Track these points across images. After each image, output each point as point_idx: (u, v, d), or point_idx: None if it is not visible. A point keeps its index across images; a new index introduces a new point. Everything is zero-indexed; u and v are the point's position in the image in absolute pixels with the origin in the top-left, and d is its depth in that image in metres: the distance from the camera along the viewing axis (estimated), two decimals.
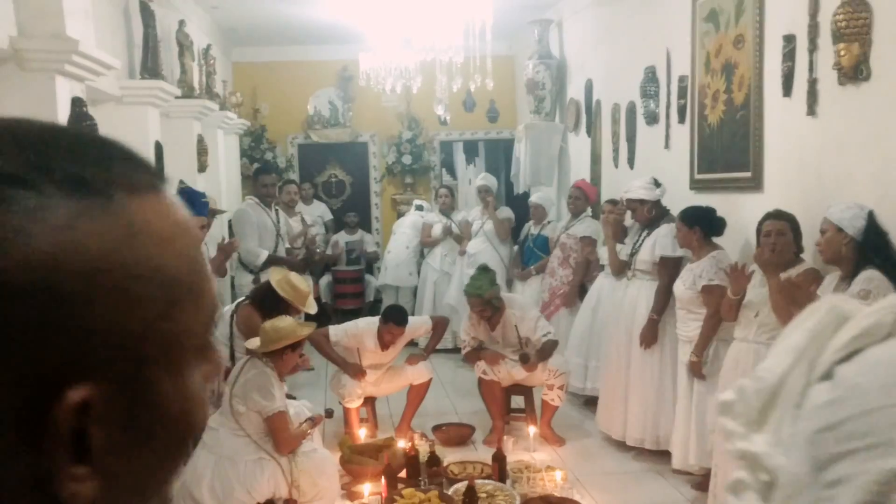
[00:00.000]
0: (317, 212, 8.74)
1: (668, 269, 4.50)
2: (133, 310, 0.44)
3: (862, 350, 0.50)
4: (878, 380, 0.48)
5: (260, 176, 6.26)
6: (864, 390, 0.48)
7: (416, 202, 8.46)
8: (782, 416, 0.52)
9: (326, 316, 8.05)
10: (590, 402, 5.46)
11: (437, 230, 7.57)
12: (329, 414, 5.07)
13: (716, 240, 4.14)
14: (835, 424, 0.48)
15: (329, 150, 9.49)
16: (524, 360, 4.85)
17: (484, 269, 5.09)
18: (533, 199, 6.90)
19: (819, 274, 3.38)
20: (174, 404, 0.48)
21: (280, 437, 3.51)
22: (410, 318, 5.15)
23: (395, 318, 4.94)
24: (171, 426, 0.48)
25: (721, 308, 3.73)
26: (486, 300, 4.91)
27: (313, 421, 3.88)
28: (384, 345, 4.94)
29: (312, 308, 4.37)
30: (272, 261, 5.75)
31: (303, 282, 4.41)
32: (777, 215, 3.52)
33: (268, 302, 4.17)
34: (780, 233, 3.46)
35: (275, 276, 4.25)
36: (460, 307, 7.02)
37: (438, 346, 7.18)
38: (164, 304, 0.46)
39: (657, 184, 4.72)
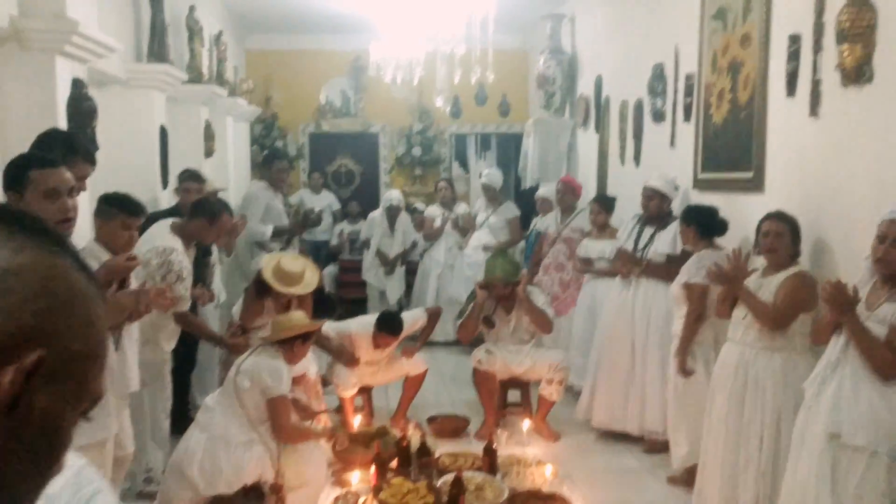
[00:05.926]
0: (325, 201, 8.77)
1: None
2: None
3: None
4: None
5: (274, 161, 6.63)
6: None
7: (392, 195, 8.04)
8: None
9: (331, 305, 8.06)
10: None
11: (437, 223, 7.56)
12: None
13: (718, 240, 4.10)
14: None
15: (340, 140, 9.51)
16: (488, 323, 4.99)
17: (501, 254, 5.06)
18: (540, 192, 6.87)
19: (812, 279, 3.33)
20: (61, 416, 0.60)
21: (279, 422, 3.51)
22: (405, 317, 5.09)
23: (388, 328, 4.89)
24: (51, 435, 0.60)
25: (717, 301, 3.69)
26: (515, 282, 4.90)
27: (330, 432, 3.92)
28: (377, 346, 4.94)
29: (309, 288, 4.34)
30: (277, 232, 6.26)
31: (297, 263, 4.36)
32: (778, 216, 3.45)
33: (260, 286, 4.24)
34: (779, 234, 3.39)
35: (267, 263, 4.26)
36: (464, 300, 7.01)
37: (440, 339, 7.23)
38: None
39: (676, 187, 4.74)
